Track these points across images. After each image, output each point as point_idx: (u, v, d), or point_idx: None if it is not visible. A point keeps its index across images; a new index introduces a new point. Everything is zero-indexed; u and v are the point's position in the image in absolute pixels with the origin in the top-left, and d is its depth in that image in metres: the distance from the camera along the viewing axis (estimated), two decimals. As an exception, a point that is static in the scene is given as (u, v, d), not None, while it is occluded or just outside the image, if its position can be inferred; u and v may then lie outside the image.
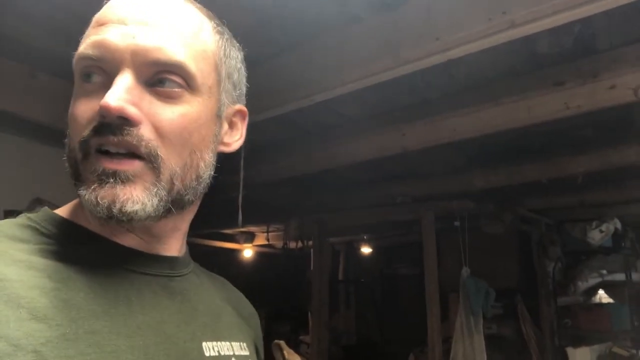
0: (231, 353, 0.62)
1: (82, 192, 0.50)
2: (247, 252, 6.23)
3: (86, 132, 0.50)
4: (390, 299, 6.43)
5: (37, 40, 1.89)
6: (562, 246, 4.47)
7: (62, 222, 0.55)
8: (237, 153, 2.27)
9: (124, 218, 0.50)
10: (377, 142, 2.81)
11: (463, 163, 3.42)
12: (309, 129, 2.96)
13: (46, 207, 0.57)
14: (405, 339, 5.27)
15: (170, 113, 0.53)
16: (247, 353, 0.65)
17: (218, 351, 0.59)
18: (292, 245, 5.25)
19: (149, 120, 0.51)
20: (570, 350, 3.95)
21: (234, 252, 6.39)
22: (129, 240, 0.57)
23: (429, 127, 2.61)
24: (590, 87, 2.05)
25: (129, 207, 0.50)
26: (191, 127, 0.55)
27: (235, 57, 0.65)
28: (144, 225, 0.55)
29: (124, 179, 0.50)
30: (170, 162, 0.53)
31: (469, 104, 2.40)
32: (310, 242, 4.65)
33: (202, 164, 0.57)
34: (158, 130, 0.52)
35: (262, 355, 0.75)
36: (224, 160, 2.27)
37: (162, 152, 0.52)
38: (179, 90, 0.54)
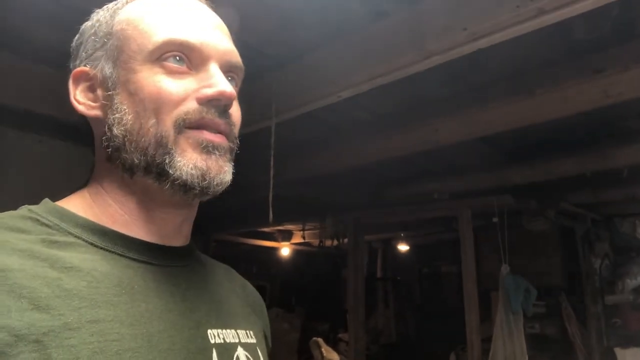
0: (237, 340, 0.61)
1: (184, 162, 0.54)
2: (285, 250, 6.28)
3: (185, 111, 0.55)
4: (430, 298, 6.33)
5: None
6: (610, 242, 4.27)
7: (63, 213, 0.56)
8: (267, 151, 2.25)
9: (219, 187, 0.56)
10: (409, 137, 2.77)
11: (501, 158, 3.33)
12: (339, 126, 2.95)
13: (47, 199, 0.57)
14: (446, 338, 5.18)
15: (235, 107, 0.62)
16: (254, 341, 0.65)
17: (223, 338, 0.59)
18: (328, 243, 5.25)
19: None
20: (619, 351, 3.77)
21: (273, 250, 6.46)
22: (133, 231, 0.58)
23: (461, 121, 2.55)
24: (633, 73, 1.94)
25: (227, 177, 0.57)
26: (240, 119, 0.65)
27: None
28: (183, 209, 0.61)
29: (222, 152, 0.57)
30: (235, 145, 0.62)
31: (502, 96, 2.32)
32: (346, 240, 4.64)
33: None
34: (232, 118, 0.61)
35: (270, 343, 0.74)
36: (257, 160, 2.26)
37: (235, 136, 0.61)
38: (236, 88, 0.63)
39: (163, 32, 0.57)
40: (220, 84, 0.56)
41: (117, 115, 0.56)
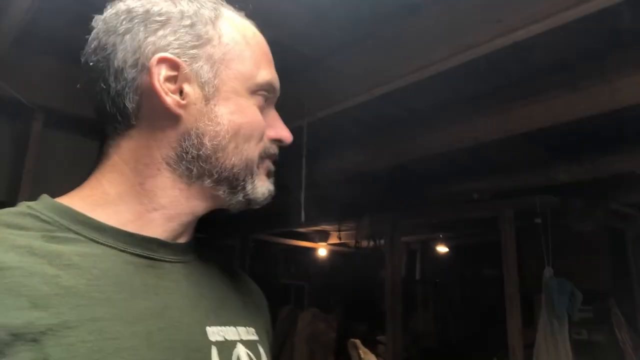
0: (237, 338, 0.61)
1: (260, 184, 0.64)
2: (322, 251, 6.28)
3: (268, 145, 0.65)
4: (471, 301, 6.17)
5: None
6: (665, 245, 4.03)
7: (62, 210, 0.54)
8: (299, 152, 2.26)
9: (265, 204, 0.66)
10: (447, 134, 2.70)
11: (544, 155, 3.19)
12: (375, 124, 2.91)
13: (45, 195, 0.56)
14: (489, 343, 5.04)
15: None
16: (255, 338, 0.65)
17: (223, 336, 0.58)
18: (364, 243, 5.21)
19: None
20: (674, 360, 3.54)
21: (311, 251, 6.48)
22: (150, 229, 0.58)
23: (501, 117, 2.46)
24: (687, 64, 1.82)
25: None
26: None
27: None
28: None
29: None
30: None
31: (545, 90, 2.22)
32: (383, 241, 4.58)
33: None
34: None
35: (271, 339, 0.73)
36: (294, 160, 2.25)
37: None
38: None
39: (266, 71, 0.64)
40: (286, 129, 0.67)
41: (213, 127, 0.58)
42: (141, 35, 0.57)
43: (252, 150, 0.61)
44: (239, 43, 0.62)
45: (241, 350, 0.60)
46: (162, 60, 0.56)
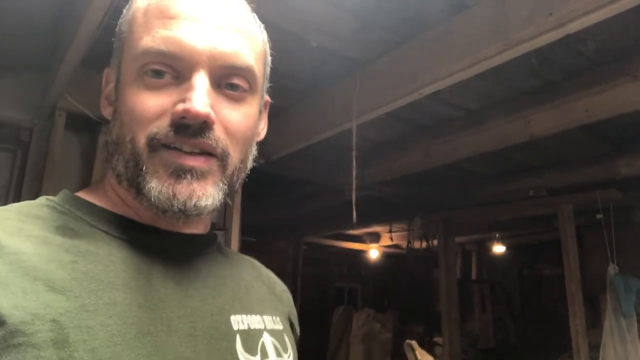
0: (262, 327, 0.59)
1: (153, 185, 0.51)
2: (374, 252, 6.27)
3: (157, 129, 0.51)
4: (531, 302, 5.98)
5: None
6: None
7: (80, 202, 0.54)
8: (350, 153, 2.26)
9: (195, 212, 0.52)
10: (499, 131, 2.66)
11: (604, 148, 3.07)
12: (426, 124, 2.90)
13: (65, 190, 0.56)
14: (551, 344, 4.87)
15: (237, 114, 0.55)
16: (280, 327, 0.63)
17: (248, 324, 0.57)
18: (417, 244, 5.17)
19: (219, 121, 0.53)
20: None
21: (362, 253, 6.48)
22: (151, 220, 0.56)
23: (556, 111, 2.40)
24: None
25: (203, 202, 0.52)
26: (252, 125, 0.58)
27: (268, 50, 0.64)
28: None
29: (199, 175, 0.52)
30: (234, 158, 0.56)
31: (601, 82, 2.15)
32: (436, 241, 4.53)
33: (250, 157, 0.61)
34: (227, 130, 0.54)
35: (297, 331, 0.71)
36: (345, 162, 2.26)
37: (230, 150, 0.55)
38: (245, 92, 0.56)
39: (145, 40, 0.52)
40: (191, 99, 0.50)
41: (112, 124, 0.56)
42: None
43: (136, 142, 0.52)
44: (132, 21, 0.55)
45: (267, 340, 0.59)
46: (105, 76, 0.62)
